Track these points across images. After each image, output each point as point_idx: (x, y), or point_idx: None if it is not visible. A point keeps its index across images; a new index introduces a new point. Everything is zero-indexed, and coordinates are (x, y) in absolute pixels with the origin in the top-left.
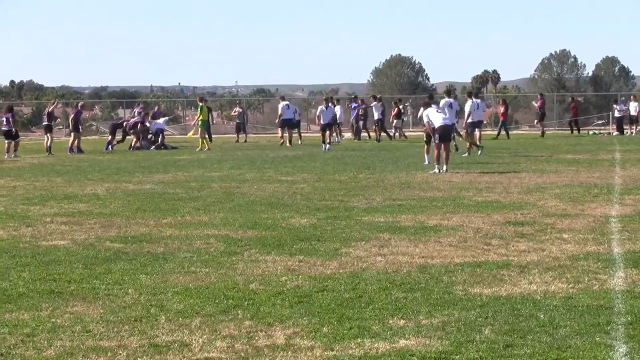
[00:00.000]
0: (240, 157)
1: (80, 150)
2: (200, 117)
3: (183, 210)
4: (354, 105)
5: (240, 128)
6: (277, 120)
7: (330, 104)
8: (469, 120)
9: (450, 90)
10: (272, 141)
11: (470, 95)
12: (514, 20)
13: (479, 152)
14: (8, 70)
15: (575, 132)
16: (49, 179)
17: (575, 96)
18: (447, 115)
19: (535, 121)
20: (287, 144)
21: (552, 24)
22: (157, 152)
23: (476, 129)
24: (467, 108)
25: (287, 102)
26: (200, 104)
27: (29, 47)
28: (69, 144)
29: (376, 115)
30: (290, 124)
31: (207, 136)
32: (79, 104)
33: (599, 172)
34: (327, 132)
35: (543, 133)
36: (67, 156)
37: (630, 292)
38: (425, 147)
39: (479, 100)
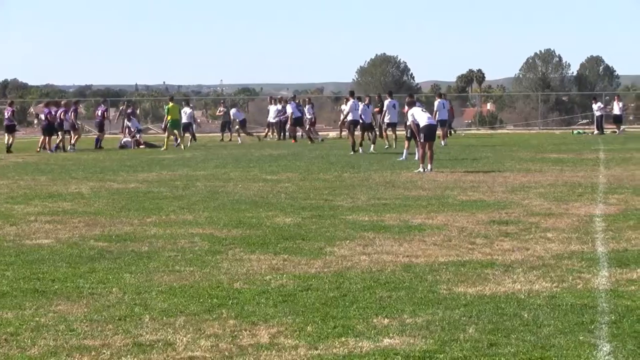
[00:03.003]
0: (225, 156)
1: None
2: (169, 117)
3: (167, 209)
4: (293, 105)
5: (225, 127)
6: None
7: (370, 102)
8: (438, 118)
9: (391, 92)
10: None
11: (440, 96)
12: (499, 20)
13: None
14: None
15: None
16: (33, 178)
17: (447, 95)
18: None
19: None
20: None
21: (536, 24)
22: (142, 150)
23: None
24: (435, 107)
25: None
26: (170, 104)
27: (13, 46)
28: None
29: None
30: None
31: (174, 135)
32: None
33: (583, 171)
34: (367, 133)
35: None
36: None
37: (614, 291)
38: (406, 143)
39: (445, 100)
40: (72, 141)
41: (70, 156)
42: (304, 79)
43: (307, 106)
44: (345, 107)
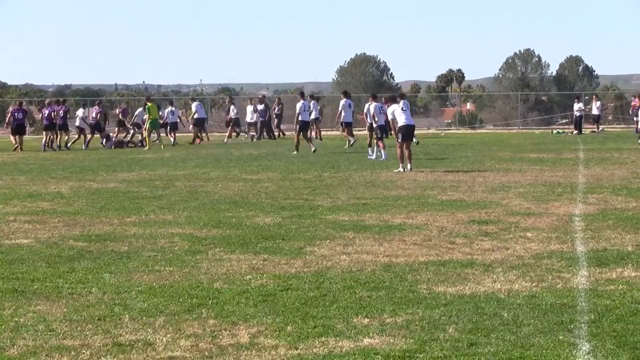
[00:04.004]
0: (204, 155)
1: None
2: (150, 117)
3: (147, 209)
4: (198, 104)
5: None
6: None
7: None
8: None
9: (346, 91)
10: (236, 139)
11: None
12: (478, 20)
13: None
14: None
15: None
16: (12, 178)
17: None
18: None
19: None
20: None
21: (516, 24)
22: (122, 150)
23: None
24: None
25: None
26: (148, 103)
27: None
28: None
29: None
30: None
31: (152, 135)
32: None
33: (562, 171)
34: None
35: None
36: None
37: (594, 291)
38: (380, 144)
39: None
40: (58, 141)
41: (50, 156)
42: (284, 78)
43: (231, 105)
44: (296, 109)
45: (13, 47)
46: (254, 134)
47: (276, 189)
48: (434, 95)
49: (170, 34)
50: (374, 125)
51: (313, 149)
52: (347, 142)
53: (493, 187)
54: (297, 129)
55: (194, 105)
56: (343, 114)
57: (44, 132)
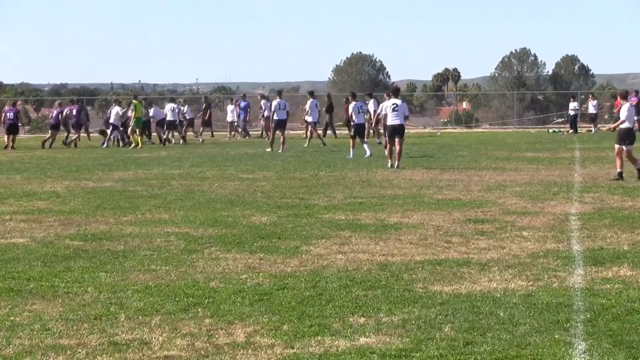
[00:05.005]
0: (200, 154)
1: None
2: (135, 115)
3: (143, 208)
4: (242, 104)
5: (182, 126)
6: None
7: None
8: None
9: (312, 92)
10: (232, 138)
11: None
12: (475, 19)
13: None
14: None
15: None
16: (8, 177)
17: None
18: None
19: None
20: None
21: (512, 23)
22: (117, 149)
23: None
24: (370, 108)
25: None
26: (134, 102)
27: None
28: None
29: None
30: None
31: (140, 134)
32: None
33: (558, 170)
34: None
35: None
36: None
37: (589, 290)
38: (351, 142)
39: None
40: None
41: (46, 155)
42: (280, 77)
43: (185, 106)
44: (271, 107)
45: (9, 46)
46: (232, 132)
47: (272, 188)
48: (430, 94)
49: (167, 33)
50: (351, 124)
51: (278, 149)
52: (307, 141)
53: (489, 186)
54: (273, 127)
55: (151, 110)
56: (310, 113)
57: (49, 131)
